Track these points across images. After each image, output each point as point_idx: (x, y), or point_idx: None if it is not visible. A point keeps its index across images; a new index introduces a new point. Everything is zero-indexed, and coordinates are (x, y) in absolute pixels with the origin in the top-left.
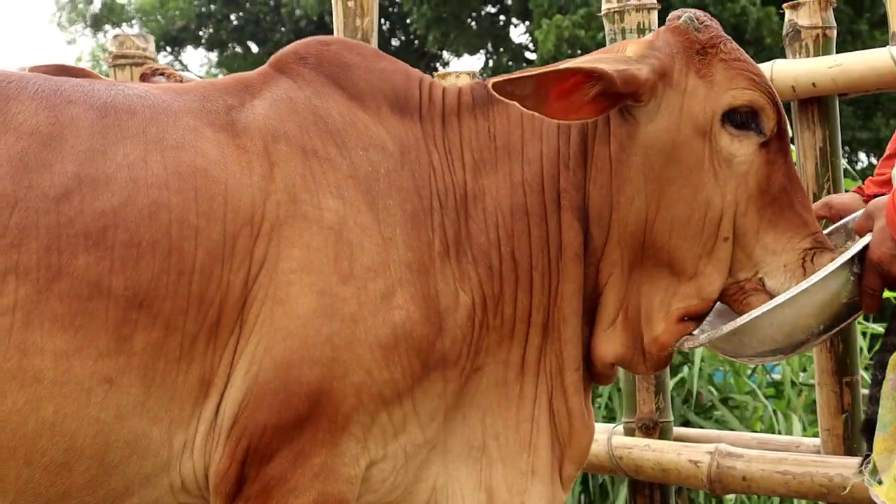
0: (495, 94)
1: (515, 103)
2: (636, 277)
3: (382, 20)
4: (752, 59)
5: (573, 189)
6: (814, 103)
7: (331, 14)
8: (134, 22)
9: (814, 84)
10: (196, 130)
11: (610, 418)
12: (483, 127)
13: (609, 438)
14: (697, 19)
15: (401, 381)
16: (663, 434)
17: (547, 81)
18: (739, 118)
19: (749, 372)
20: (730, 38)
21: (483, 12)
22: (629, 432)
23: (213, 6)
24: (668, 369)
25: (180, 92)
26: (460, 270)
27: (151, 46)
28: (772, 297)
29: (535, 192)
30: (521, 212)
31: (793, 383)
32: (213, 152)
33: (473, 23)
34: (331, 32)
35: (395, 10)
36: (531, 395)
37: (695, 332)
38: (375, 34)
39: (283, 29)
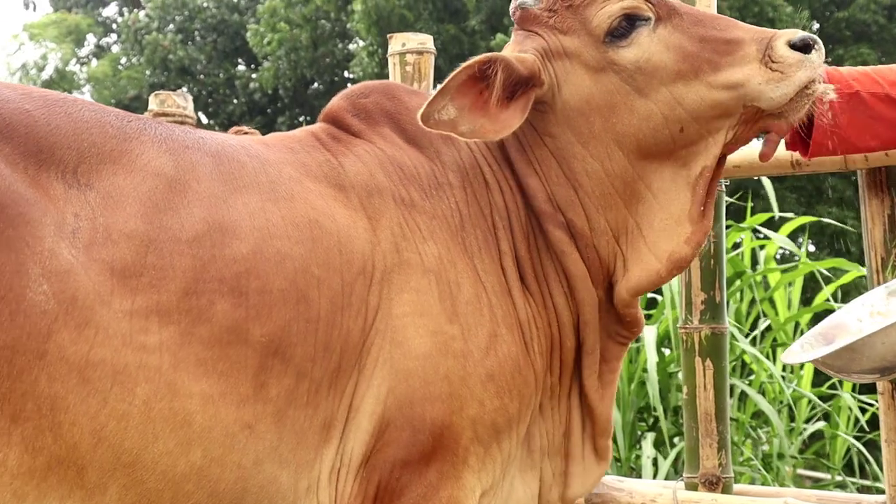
0: (425, 126)
1: (453, 134)
2: (622, 219)
3: None
4: None
5: (536, 195)
6: (882, 172)
7: (285, 87)
8: (85, 89)
9: (886, 154)
10: (300, 182)
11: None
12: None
13: (674, 492)
14: None
15: (510, 405)
16: (725, 490)
17: (455, 87)
18: (620, 30)
19: None
20: None
21: None
22: (691, 487)
23: (165, 76)
24: (729, 423)
25: (268, 144)
26: (519, 287)
27: (191, 105)
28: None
29: (515, 214)
30: (521, 230)
31: None
32: (321, 204)
33: None
34: (285, 107)
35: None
36: (566, 389)
37: (795, 348)
38: None
39: (236, 101)
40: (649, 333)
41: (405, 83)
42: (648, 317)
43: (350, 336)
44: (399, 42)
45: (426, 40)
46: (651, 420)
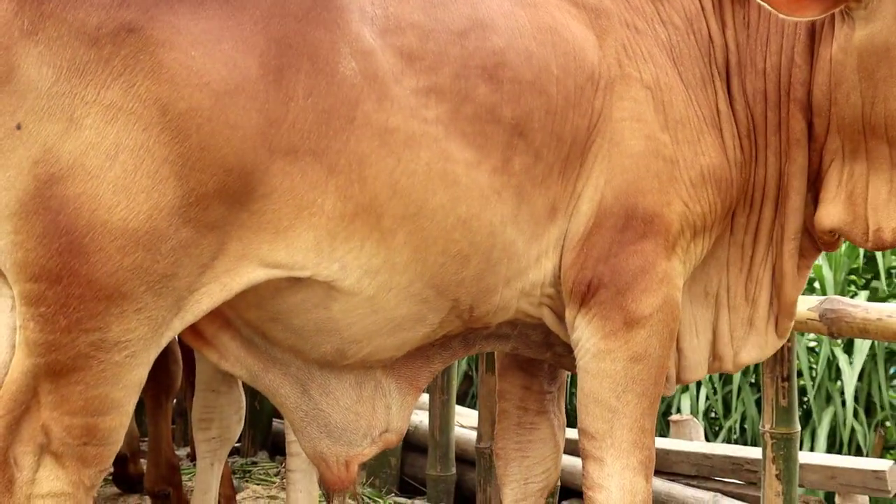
0: None
1: None
2: (860, 165)
3: None
4: None
5: (799, 84)
6: None
7: None
8: None
9: None
10: None
11: None
12: (739, 13)
13: None
14: None
15: (708, 215)
16: None
17: None
18: None
19: None
20: None
21: None
22: None
23: None
24: None
25: None
26: (731, 132)
27: None
28: None
29: (773, 82)
30: (762, 96)
31: None
32: (558, 15)
33: None
34: None
35: None
36: (760, 258)
37: None
38: None
39: None
40: None
41: None
42: None
43: (578, 132)
44: None
45: None
46: (862, 282)
